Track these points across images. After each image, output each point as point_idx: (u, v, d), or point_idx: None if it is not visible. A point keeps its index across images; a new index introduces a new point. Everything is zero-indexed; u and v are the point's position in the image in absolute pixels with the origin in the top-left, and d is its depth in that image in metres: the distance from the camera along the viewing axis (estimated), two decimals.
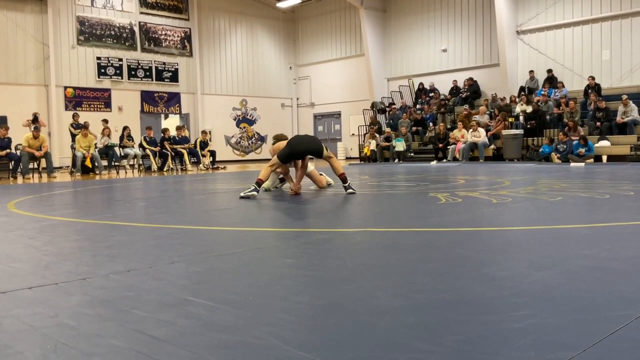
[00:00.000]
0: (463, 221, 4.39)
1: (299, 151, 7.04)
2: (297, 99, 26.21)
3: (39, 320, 2.03)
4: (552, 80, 17.58)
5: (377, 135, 18.83)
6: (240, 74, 24.23)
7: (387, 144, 18.29)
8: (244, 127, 24.10)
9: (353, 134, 22.90)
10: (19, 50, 18.63)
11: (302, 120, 26.17)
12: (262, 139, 24.25)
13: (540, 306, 2.07)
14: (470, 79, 19.75)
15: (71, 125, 16.39)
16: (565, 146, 14.23)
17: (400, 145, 17.62)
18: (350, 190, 6.83)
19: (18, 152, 13.95)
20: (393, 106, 20.68)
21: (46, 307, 2.20)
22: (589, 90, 16.17)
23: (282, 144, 7.31)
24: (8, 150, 13.76)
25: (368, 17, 21.91)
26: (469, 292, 2.30)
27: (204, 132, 18.32)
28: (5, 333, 1.90)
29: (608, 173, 10.16)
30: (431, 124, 18.63)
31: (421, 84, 21.21)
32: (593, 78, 16.44)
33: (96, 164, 14.99)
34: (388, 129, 18.98)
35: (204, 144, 17.29)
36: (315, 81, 25.45)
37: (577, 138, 14.15)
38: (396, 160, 17.57)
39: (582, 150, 13.83)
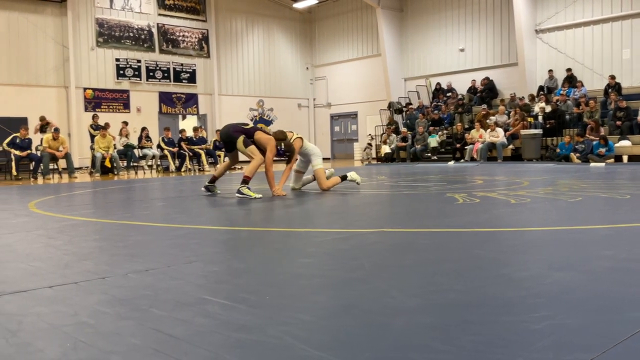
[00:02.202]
0: (481, 222, 4.35)
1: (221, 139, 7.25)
2: (314, 99, 26.23)
3: (59, 319, 2.05)
4: (571, 80, 17.40)
5: (395, 135, 18.79)
6: (257, 74, 24.31)
7: (404, 144, 18.24)
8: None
9: (370, 135, 22.87)
10: (39, 52, 18.89)
11: (318, 121, 26.19)
12: None
13: (559, 307, 2.05)
14: (486, 78, 19.63)
15: (90, 126, 16.57)
16: (584, 146, 14.07)
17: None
18: (237, 195, 6.65)
19: (38, 153, 14.15)
20: (410, 106, 20.62)
21: (66, 306, 2.23)
22: (609, 90, 15.97)
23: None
24: (29, 151, 13.95)
25: (385, 16, 21.86)
26: (487, 293, 2.29)
27: (218, 131, 18.45)
28: (26, 331, 1.93)
29: (629, 173, 10.02)
30: (447, 125, 18.54)
31: (438, 83, 21.11)
32: (613, 77, 16.24)
33: (115, 164, 15.14)
34: (405, 129, 18.94)
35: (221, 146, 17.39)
36: (331, 81, 25.45)
37: (597, 138, 13.97)
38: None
39: (603, 150, 13.66)
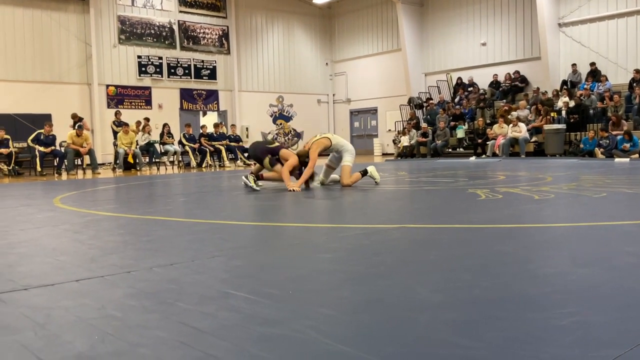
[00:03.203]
0: (504, 217, 4.32)
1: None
2: (334, 95, 26.20)
3: (87, 312, 2.09)
4: (595, 74, 17.14)
5: (415, 131, 18.71)
6: (277, 70, 24.35)
7: (424, 139, 18.15)
8: (281, 124, 24.19)
9: (390, 130, 22.78)
10: (62, 49, 19.14)
11: (338, 117, 26.15)
12: (299, 135, 24.32)
13: (584, 303, 2.03)
14: (517, 72, 19.44)
15: (113, 122, 16.75)
16: (608, 141, 13.86)
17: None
18: (244, 180, 7.29)
19: (62, 149, 14.35)
20: (431, 101, 20.49)
21: (93, 299, 2.26)
22: (634, 84, 15.70)
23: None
24: (53, 147, 14.16)
25: (405, 11, 21.74)
26: (511, 289, 2.27)
27: (233, 126, 18.74)
28: (55, 324, 1.97)
29: None
30: (469, 120, 18.45)
31: (459, 78, 20.94)
32: (638, 71, 15.95)
33: (137, 160, 15.30)
34: (425, 125, 18.84)
35: (236, 138, 17.62)
36: (351, 77, 25.39)
37: (622, 133, 13.76)
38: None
39: (627, 145, 13.45)
